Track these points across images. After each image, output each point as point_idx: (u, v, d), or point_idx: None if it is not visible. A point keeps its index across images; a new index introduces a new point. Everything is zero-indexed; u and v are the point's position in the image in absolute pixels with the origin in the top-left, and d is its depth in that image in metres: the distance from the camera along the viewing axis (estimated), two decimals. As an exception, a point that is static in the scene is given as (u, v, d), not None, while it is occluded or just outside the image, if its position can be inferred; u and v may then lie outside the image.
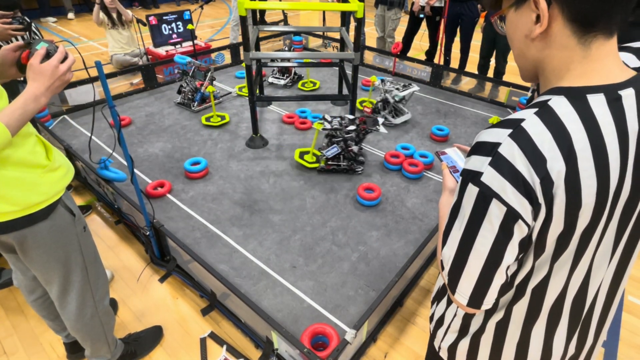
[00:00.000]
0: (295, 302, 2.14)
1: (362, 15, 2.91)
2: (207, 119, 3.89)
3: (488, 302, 0.74)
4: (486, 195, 0.65)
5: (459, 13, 4.73)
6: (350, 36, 3.51)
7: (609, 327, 0.90)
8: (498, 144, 0.64)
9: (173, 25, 5.16)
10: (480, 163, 0.66)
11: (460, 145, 1.05)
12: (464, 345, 0.90)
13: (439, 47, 5.15)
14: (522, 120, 0.64)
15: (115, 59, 5.16)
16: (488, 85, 4.70)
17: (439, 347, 0.98)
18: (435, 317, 0.99)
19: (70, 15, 8.43)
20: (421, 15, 5.03)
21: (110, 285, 2.29)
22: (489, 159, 0.64)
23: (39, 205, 1.24)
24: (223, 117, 3.92)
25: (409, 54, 5.54)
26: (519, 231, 0.65)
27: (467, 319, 0.88)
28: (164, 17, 5.05)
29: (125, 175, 2.79)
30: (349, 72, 4.15)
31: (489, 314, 0.84)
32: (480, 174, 0.65)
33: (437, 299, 1.00)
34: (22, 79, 1.30)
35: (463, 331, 0.89)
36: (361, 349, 1.97)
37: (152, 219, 2.28)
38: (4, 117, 1.06)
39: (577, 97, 0.64)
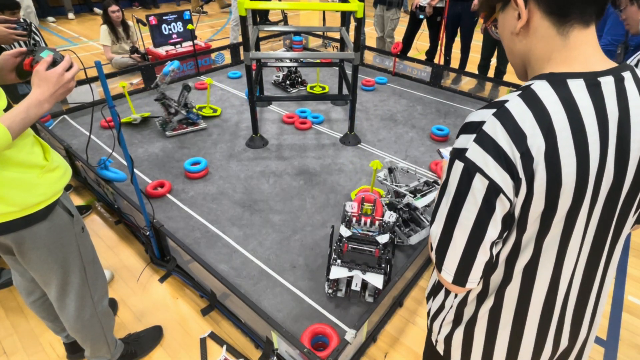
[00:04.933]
0: (295, 302, 2.14)
1: (362, 15, 2.91)
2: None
3: (472, 280, 0.76)
4: (470, 170, 0.68)
5: (459, 13, 4.73)
6: (350, 36, 3.51)
7: (595, 323, 0.91)
8: (482, 122, 0.68)
9: (173, 25, 5.16)
10: (465, 140, 0.69)
11: None
12: (458, 335, 0.91)
13: (439, 47, 5.15)
14: (506, 101, 0.68)
15: (114, 61, 5.17)
16: (488, 85, 4.70)
17: (436, 341, 0.99)
18: (432, 312, 1.00)
19: (70, 15, 8.42)
20: (421, 16, 5.03)
21: (110, 285, 2.29)
22: (474, 135, 0.68)
23: (37, 206, 1.24)
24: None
25: (409, 54, 5.54)
26: (501, 206, 0.68)
27: (461, 307, 0.89)
28: (164, 17, 5.05)
29: (125, 175, 2.79)
30: (349, 72, 4.15)
31: (480, 299, 0.84)
32: (465, 150, 0.69)
33: (433, 293, 1.01)
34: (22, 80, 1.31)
35: (457, 321, 0.91)
36: (361, 349, 1.97)
37: (152, 219, 2.28)
38: (6, 120, 1.06)
39: (558, 81, 0.68)
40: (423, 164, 3.36)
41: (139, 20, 5.01)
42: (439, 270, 0.78)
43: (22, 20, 2.86)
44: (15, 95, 2.83)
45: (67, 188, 3.10)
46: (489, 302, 0.83)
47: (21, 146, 1.19)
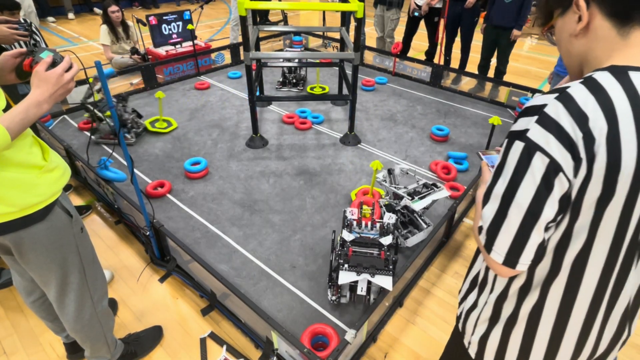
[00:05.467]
0: (295, 302, 2.14)
1: (362, 15, 2.91)
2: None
3: (523, 262, 0.74)
4: (530, 149, 0.68)
5: (459, 13, 4.73)
6: (350, 36, 3.51)
7: (635, 323, 0.90)
8: (544, 105, 0.69)
9: (173, 25, 5.16)
10: (526, 122, 0.70)
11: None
12: (495, 336, 0.89)
13: (438, 47, 5.15)
14: (568, 87, 0.70)
15: (114, 61, 5.17)
16: (488, 85, 4.70)
17: (469, 343, 0.96)
18: (464, 311, 0.98)
19: (70, 15, 8.43)
20: (415, 14, 5.03)
21: (110, 285, 2.29)
22: (536, 117, 0.69)
23: (35, 206, 1.24)
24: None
25: (409, 54, 5.54)
26: (560, 185, 0.68)
27: (499, 303, 0.87)
28: (164, 17, 5.05)
29: (125, 175, 2.79)
30: (349, 72, 4.15)
31: (522, 294, 0.82)
32: (526, 130, 0.70)
33: (467, 293, 0.99)
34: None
35: (494, 318, 0.89)
36: (361, 349, 1.97)
37: (152, 219, 2.28)
38: (5, 120, 1.06)
39: (619, 71, 0.70)
40: (423, 163, 3.36)
41: (139, 20, 5.01)
42: (489, 250, 0.76)
43: (22, 20, 2.86)
44: (15, 95, 2.83)
45: (67, 188, 3.10)
46: (531, 299, 0.82)
47: (20, 146, 1.19)
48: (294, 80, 4.77)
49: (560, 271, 0.77)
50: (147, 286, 2.32)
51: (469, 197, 2.89)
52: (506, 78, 4.74)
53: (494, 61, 4.78)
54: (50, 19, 8.13)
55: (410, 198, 2.41)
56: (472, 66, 5.08)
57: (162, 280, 2.36)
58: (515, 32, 4.29)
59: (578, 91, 0.68)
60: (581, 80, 0.70)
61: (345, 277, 1.95)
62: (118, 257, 2.52)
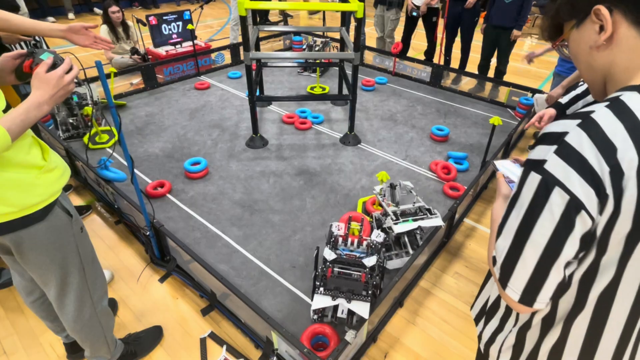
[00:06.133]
0: (296, 302, 2.14)
1: (362, 15, 2.91)
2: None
3: (541, 301, 0.69)
4: (548, 183, 0.63)
5: (459, 13, 4.74)
6: (350, 36, 3.51)
7: None
8: (565, 133, 0.63)
9: (173, 25, 5.16)
10: (544, 152, 0.64)
11: (520, 159, 1.03)
12: None
13: (438, 47, 5.15)
14: (592, 112, 0.63)
15: (114, 61, 5.17)
16: (488, 85, 4.70)
17: None
18: (487, 334, 0.94)
19: (70, 15, 8.43)
20: (414, 14, 5.04)
21: (110, 285, 2.29)
22: (554, 147, 0.63)
23: (35, 206, 1.24)
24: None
25: (408, 54, 5.54)
26: (582, 224, 0.62)
27: (523, 331, 0.82)
28: (164, 17, 5.05)
29: (125, 175, 2.79)
30: (349, 72, 4.15)
31: (546, 326, 0.77)
32: (543, 161, 0.64)
33: (488, 314, 0.94)
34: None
35: (518, 347, 0.84)
36: (361, 349, 1.97)
37: (152, 219, 2.28)
38: (5, 122, 1.06)
39: None
40: (423, 163, 3.36)
41: (139, 20, 5.01)
42: (504, 286, 0.71)
43: None
44: (18, 94, 2.83)
45: (67, 188, 3.10)
46: (554, 334, 0.76)
47: (19, 147, 1.19)
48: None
49: (585, 306, 0.72)
50: (147, 286, 2.32)
51: (469, 197, 2.89)
52: (506, 78, 4.74)
53: (494, 61, 4.78)
54: (50, 19, 8.12)
55: (394, 218, 2.27)
56: (472, 66, 5.08)
57: (162, 280, 2.35)
58: (515, 32, 4.29)
59: (604, 117, 0.61)
60: (606, 102, 0.64)
61: (320, 301, 1.82)
62: (118, 257, 2.52)
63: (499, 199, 0.90)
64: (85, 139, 3.46)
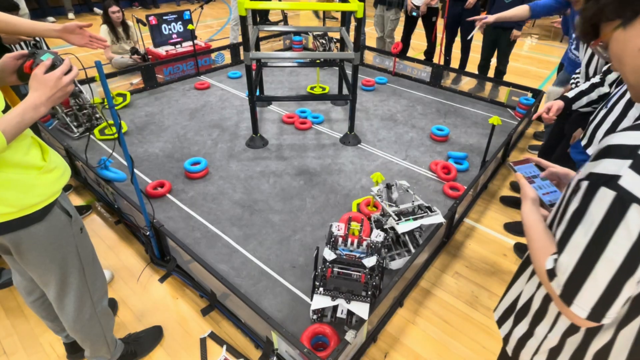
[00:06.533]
0: (296, 302, 2.14)
1: (362, 15, 2.91)
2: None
3: (610, 316, 0.68)
4: (625, 200, 0.60)
5: (459, 13, 4.73)
6: (350, 36, 3.51)
7: None
8: (639, 147, 0.60)
9: (173, 25, 5.17)
10: (616, 166, 0.62)
11: (541, 160, 1.01)
12: None
13: (438, 47, 5.15)
14: None
15: (114, 61, 5.18)
16: (488, 85, 4.70)
17: None
18: (515, 338, 0.92)
19: (70, 15, 8.42)
20: (414, 14, 5.04)
21: (110, 285, 2.29)
22: (629, 161, 0.61)
23: (35, 206, 1.23)
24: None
25: (408, 54, 5.54)
26: None
27: (565, 336, 0.80)
28: (164, 17, 5.06)
29: (125, 175, 2.79)
30: (349, 72, 4.15)
31: (591, 335, 0.76)
32: (617, 177, 0.61)
33: (517, 318, 0.92)
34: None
35: (557, 351, 0.82)
36: (361, 349, 1.97)
37: (152, 219, 2.28)
38: (1, 123, 1.06)
39: None
40: (423, 163, 3.36)
41: (139, 20, 5.01)
42: (568, 303, 0.69)
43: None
44: (18, 94, 2.83)
45: (67, 188, 3.10)
46: (602, 338, 0.75)
47: (18, 147, 1.19)
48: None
49: (635, 319, 0.71)
50: (147, 286, 2.32)
51: (469, 197, 2.89)
52: (506, 78, 4.74)
53: (494, 61, 4.78)
54: (50, 18, 8.12)
55: (396, 218, 2.27)
56: (472, 66, 5.08)
57: (162, 280, 2.36)
58: (515, 32, 4.29)
59: None
60: None
61: (319, 302, 1.83)
62: (118, 257, 2.52)
63: (526, 202, 0.87)
64: (97, 130, 3.61)
